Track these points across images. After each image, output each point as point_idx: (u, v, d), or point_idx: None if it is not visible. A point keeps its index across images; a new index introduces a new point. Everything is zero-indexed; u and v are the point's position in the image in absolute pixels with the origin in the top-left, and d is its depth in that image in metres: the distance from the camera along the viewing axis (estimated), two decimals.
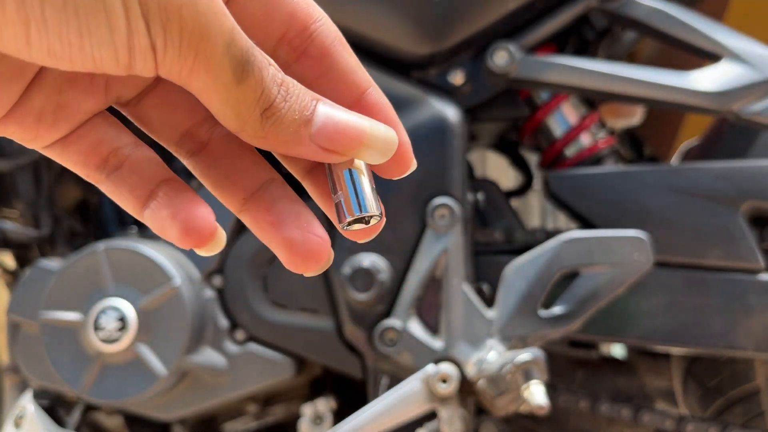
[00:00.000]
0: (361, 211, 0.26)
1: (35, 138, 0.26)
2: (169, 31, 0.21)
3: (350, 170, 0.26)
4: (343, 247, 0.80)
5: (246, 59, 0.23)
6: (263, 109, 0.24)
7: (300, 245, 0.27)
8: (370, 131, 0.26)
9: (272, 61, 0.25)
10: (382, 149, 0.26)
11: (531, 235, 0.84)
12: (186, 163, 0.29)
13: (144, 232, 0.92)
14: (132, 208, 0.27)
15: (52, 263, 0.85)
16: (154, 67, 0.22)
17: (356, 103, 0.28)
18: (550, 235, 0.81)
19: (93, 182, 0.28)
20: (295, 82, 0.25)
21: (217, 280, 0.84)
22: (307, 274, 0.27)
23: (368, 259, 0.79)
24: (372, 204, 0.27)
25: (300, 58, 0.27)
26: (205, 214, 0.26)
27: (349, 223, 0.27)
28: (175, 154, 0.29)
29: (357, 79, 0.28)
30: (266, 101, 0.24)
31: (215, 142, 0.29)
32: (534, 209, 1.57)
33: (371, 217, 0.27)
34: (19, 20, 0.20)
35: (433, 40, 0.81)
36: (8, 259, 0.97)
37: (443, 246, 0.78)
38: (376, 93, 0.28)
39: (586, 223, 0.81)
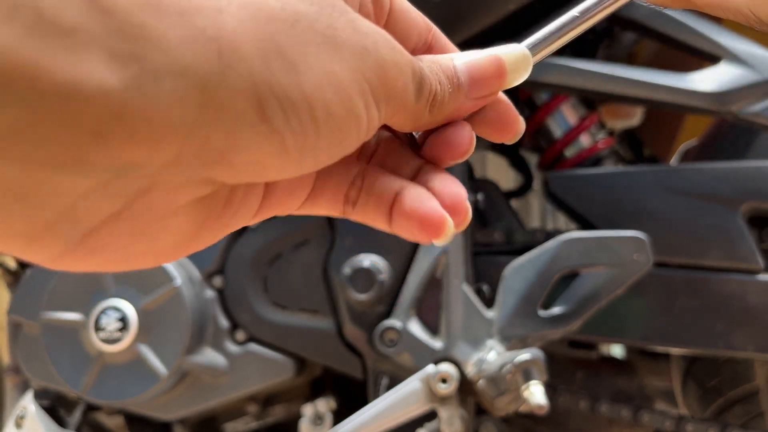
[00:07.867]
0: None
1: (296, 209, 0.29)
2: (385, 102, 0.24)
3: None
4: (343, 248, 0.81)
5: (420, 79, 0.25)
6: (431, 106, 0.26)
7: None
8: (506, 57, 0.28)
9: (422, 58, 0.27)
10: (523, 67, 0.28)
11: (531, 235, 0.84)
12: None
13: None
14: (382, 225, 0.28)
15: None
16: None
17: (429, 36, 0.30)
18: (549, 235, 0.81)
19: (342, 216, 0.29)
20: (429, 57, 0.27)
21: (218, 281, 0.84)
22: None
23: (368, 260, 0.80)
24: None
25: (380, 15, 0.29)
26: (437, 206, 0.27)
27: None
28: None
29: (422, 20, 0.30)
30: (433, 99, 0.26)
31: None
32: (534, 210, 1.57)
33: None
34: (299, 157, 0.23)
35: None
36: (9, 260, 0.98)
37: (443, 246, 0.78)
38: (436, 30, 0.31)
39: (585, 224, 0.82)
